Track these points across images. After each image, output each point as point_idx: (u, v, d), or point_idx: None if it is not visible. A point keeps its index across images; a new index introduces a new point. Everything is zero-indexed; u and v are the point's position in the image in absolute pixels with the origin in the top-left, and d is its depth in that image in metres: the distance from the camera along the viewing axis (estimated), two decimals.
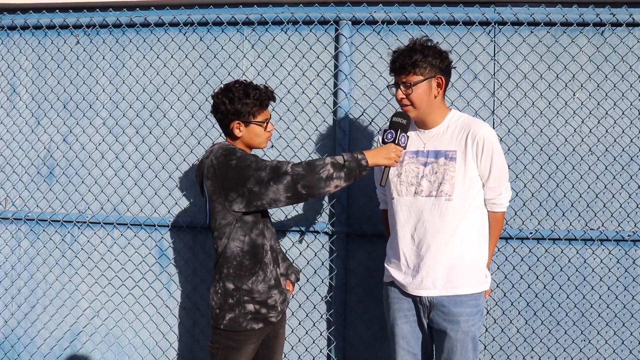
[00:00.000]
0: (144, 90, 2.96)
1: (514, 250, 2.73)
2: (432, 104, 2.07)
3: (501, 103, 2.73)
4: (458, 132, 2.07)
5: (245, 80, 2.17)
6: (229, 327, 2.06)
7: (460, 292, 2.06)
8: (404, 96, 2.05)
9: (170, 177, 2.94)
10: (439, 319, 2.08)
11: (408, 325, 2.15)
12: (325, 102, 2.84)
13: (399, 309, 2.16)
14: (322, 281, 2.86)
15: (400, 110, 2.10)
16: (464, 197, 2.05)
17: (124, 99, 2.98)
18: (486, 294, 2.19)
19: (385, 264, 2.24)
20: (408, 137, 2.10)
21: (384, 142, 2.10)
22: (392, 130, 2.08)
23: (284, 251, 2.40)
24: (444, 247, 2.05)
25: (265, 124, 2.16)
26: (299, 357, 2.90)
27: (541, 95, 2.71)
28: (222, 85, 2.17)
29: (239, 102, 2.09)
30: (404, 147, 2.09)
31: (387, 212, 2.30)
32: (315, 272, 2.85)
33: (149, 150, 2.96)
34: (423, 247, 2.08)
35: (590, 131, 2.70)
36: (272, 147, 2.87)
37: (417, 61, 2.01)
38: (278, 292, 2.13)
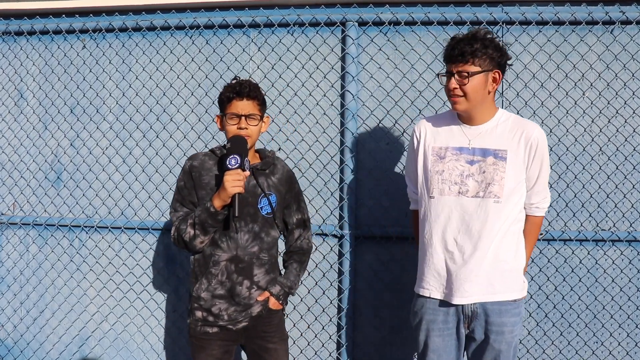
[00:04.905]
0: (150, 94, 2.96)
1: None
2: (485, 99, 1.97)
3: (510, 103, 2.70)
4: (509, 131, 1.99)
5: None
6: (188, 333, 2.15)
7: (502, 299, 1.97)
8: (457, 86, 1.94)
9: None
10: (482, 329, 2.00)
11: (441, 339, 2.04)
12: (332, 104, 2.83)
13: (433, 320, 2.05)
14: (331, 284, 2.84)
15: (233, 136, 1.99)
16: (513, 201, 1.97)
17: (130, 103, 2.98)
18: None
19: (419, 273, 2.12)
20: (247, 158, 1.99)
21: (225, 169, 1.94)
22: (235, 156, 1.94)
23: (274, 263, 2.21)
24: (488, 251, 1.96)
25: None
26: None
27: (550, 94, 2.69)
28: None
29: None
30: (245, 169, 1.97)
31: (417, 213, 2.18)
32: (324, 275, 2.83)
33: (156, 154, 2.95)
34: (466, 251, 1.98)
35: (600, 130, 2.67)
36: (279, 149, 2.86)
37: (477, 50, 1.90)
38: (225, 302, 2.06)
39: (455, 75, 1.93)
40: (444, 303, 2.04)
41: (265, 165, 2.15)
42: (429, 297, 2.07)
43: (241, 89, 2.04)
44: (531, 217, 2.08)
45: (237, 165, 1.93)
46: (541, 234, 2.65)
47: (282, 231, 2.26)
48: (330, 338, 2.87)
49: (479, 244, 1.97)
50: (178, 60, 2.94)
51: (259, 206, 2.09)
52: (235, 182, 1.92)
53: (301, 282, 2.27)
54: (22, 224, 3.07)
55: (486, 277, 1.97)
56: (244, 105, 2.05)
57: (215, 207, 1.95)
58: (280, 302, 2.14)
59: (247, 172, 1.97)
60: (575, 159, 2.68)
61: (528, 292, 2.70)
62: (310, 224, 2.31)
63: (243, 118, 2.04)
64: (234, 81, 2.10)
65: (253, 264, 2.09)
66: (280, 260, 2.27)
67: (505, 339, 1.98)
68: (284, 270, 2.26)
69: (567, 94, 2.68)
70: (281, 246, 2.31)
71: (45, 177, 3.08)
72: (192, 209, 2.07)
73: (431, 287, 2.06)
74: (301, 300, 2.85)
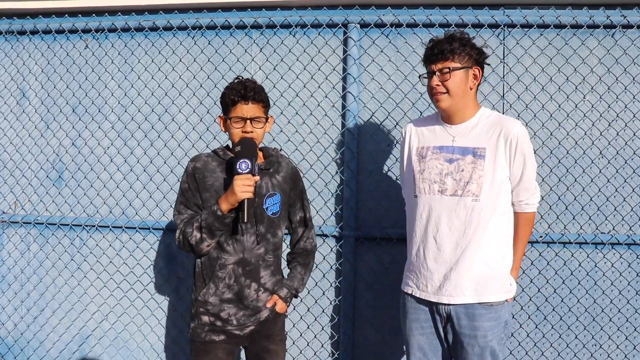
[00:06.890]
0: (152, 94, 2.96)
1: (524, 254, 2.71)
2: (467, 95, 2.00)
3: (510, 106, 2.71)
4: (488, 129, 2.00)
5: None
6: (191, 336, 2.08)
7: (483, 300, 1.96)
8: (440, 83, 1.97)
9: (178, 180, 2.94)
10: (456, 332, 2.01)
11: (424, 337, 2.07)
12: (333, 106, 2.84)
13: (415, 319, 2.08)
14: (331, 285, 2.85)
15: (242, 139, 1.96)
16: (492, 199, 1.96)
17: (132, 102, 2.99)
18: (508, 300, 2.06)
19: (404, 271, 2.16)
20: (257, 162, 1.96)
21: (235, 173, 1.90)
22: (246, 160, 1.89)
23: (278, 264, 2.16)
24: (468, 250, 1.97)
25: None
26: None
27: (551, 98, 2.70)
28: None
29: None
30: (255, 174, 1.93)
31: None
32: (324, 276, 2.84)
33: (158, 153, 2.96)
34: (445, 250, 1.99)
35: (600, 134, 2.68)
36: (280, 150, 2.86)
37: (456, 48, 1.96)
38: (234, 307, 2.03)
39: (437, 73, 1.98)
40: (425, 301, 2.06)
41: (269, 164, 2.10)
42: (412, 295, 2.10)
43: (246, 93, 1.98)
44: (521, 214, 2.06)
45: (248, 170, 1.89)
46: (540, 236, 2.66)
47: (288, 229, 2.25)
48: (329, 339, 2.88)
49: (458, 244, 1.98)
50: (180, 61, 2.94)
51: (265, 206, 2.06)
52: (245, 187, 1.88)
53: (306, 284, 2.26)
54: (24, 222, 3.08)
55: (467, 278, 1.97)
56: (249, 109, 1.99)
57: (222, 211, 1.92)
58: (287, 304, 2.14)
59: (257, 177, 1.93)
60: (575, 162, 2.68)
61: (527, 294, 2.72)
62: (312, 223, 2.28)
63: (248, 121, 1.98)
64: (236, 81, 2.04)
65: (259, 266, 2.05)
66: (284, 259, 2.26)
67: (478, 342, 1.97)
68: (288, 270, 2.23)
69: (567, 97, 2.69)
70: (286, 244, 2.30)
71: (47, 176, 3.09)
72: (196, 212, 2.03)
73: (413, 285, 2.09)
74: (301, 300, 2.85)
